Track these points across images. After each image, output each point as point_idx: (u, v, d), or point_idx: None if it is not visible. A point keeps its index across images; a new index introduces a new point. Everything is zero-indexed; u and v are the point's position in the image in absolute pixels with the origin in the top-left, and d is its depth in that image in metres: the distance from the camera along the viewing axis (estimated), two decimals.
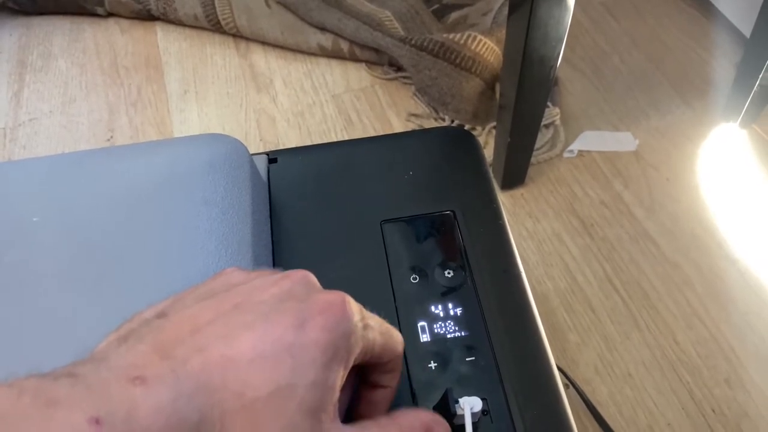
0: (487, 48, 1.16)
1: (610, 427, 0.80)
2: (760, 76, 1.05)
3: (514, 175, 1.07)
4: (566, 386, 0.84)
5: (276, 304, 0.28)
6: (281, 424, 0.26)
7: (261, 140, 1.17)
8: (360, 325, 0.29)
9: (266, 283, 0.29)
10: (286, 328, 0.27)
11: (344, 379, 0.28)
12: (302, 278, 0.30)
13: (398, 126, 1.19)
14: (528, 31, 0.76)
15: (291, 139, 1.17)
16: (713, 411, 0.83)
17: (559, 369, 0.83)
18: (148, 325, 0.27)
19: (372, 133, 1.17)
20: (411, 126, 1.18)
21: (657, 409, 0.83)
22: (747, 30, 1.20)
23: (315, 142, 1.15)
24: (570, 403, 0.84)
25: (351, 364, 0.29)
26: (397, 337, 0.33)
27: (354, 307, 0.29)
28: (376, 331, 0.31)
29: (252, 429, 0.25)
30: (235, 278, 0.31)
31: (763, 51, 1.03)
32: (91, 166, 0.46)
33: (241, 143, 0.49)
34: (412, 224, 0.49)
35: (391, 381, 0.34)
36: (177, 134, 1.19)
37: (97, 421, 0.21)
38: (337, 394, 0.28)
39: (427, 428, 0.32)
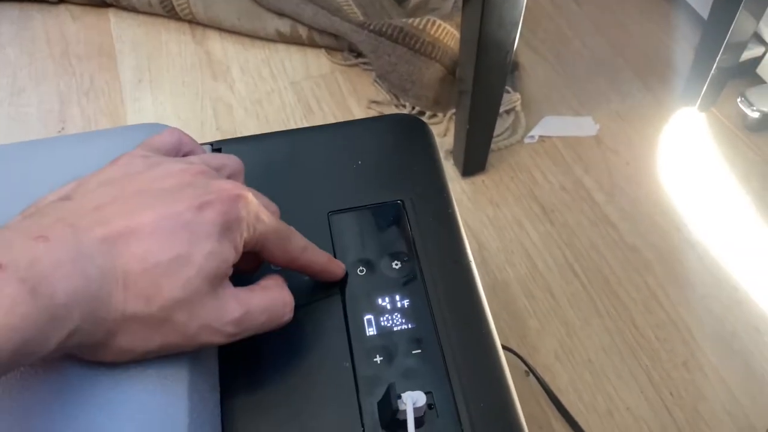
0: (447, 33, 1.15)
1: (569, 413, 0.80)
2: (718, 58, 1.06)
3: (475, 162, 1.06)
4: (526, 373, 0.84)
5: (176, 191, 0.31)
6: (180, 285, 0.28)
7: (217, 129, 1.14)
8: (252, 216, 0.32)
9: (167, 173, 0.32)
10: (186, 209, 0.29)
11: (237, 258, 0.32)
12: (201, 172, 0.33)
13: (359, 114, 1.17)
14: (483, 14, 0.75)
15: (249, 127, 1.14)
16: (671, 394, 0.83)
17: (519, 356, 0.84)
18: (52, 206, 0.30)
19: (332, 121, 1.15)
20: (372, 113, 1.17)
21: (616, 394, 0.84)
22: (705, 13, 1.21)
23: (273, 131, 1.13)
24: (530, 390, 0.84)
25: (240, 246, 0.32)
26: (294, 243, 0.37)
27: (249, 198, 0.32)
28: (269, 228, 0.34)
29: (153, 288, 0.28)
30: (135, 166, 0.33)
31: (719, 33, 1.03)
32: (20, 159, 0.44)
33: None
34: (359, 215, 0.48)
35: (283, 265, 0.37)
36: (131, 124, 1.16)
37: (0, 266, 0.23)
38: (230, 265, 0.31)
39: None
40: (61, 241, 0.26)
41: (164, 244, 0.28)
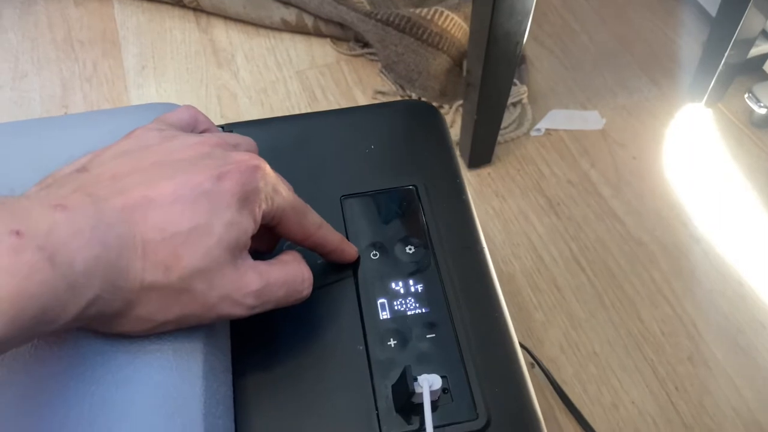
0: (455, 24, 1.14)
1: (574, 405, 0.80)
2: (725, 54, 1.05)
3: (481, 154, 1.05)
4: (531, 365, 0.83)
5: (194, 161, 0.31)
6: (200, 255, 0.28)
7: (222, 117, 1.14)
8: (270, 188, 0.32)
9: (183, 145, 0.32)
10: (205, 179, 0.29)
11: (256, 229, 0.32)
12: (218, 144, 0.33)
13: (364, 103, 1.16)
14: (494, 4, 0.75)
15: (253, 116, 1.14)
16: (676, 388, 0.83)
17: (524, 348, 0.83)
18: (69, 176, 0.30)
19: None
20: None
21: (621, 387, 0.83)
22: (713, 9, 1.20)
23: (285, 115, 1.12)
24: (535, 382, 0.84)
25: (259, 217, 0.32)
26: (310, 219, 0.36)
27: (267, 171, 0.32)
28: (286, 201, 0.34)
29: (173, 258, 0.28)
30: (151, 139, 0.33)
31: (728, 30, 1.03)
32: (34, 134, 0.43)
33: None
34: (372, 200, 0.47)
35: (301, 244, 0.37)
36: None
37: (17, 233, 0.23)
38: (249, 236, 0.31)
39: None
40: (80, 210, 0.26)
41: (184, 213, 0.28)
